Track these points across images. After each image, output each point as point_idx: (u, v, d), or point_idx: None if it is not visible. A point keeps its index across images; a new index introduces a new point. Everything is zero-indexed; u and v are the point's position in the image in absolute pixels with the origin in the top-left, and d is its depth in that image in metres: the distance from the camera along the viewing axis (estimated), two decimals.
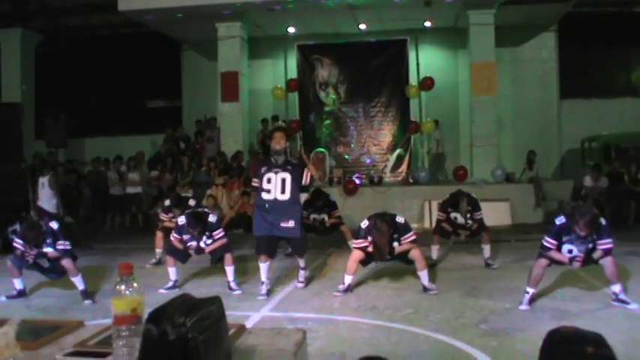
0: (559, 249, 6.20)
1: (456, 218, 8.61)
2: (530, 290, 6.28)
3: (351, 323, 5.87)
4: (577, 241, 6.10)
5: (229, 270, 7.35)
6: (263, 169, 7.03)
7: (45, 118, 16.32)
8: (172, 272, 7.53)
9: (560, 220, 6.24)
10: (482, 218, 8.60)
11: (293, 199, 6.92)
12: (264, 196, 6.90)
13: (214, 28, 15.30)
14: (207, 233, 7.39)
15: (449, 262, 9.04)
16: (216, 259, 7.54)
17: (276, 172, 6.92)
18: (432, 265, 8.12)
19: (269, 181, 6.90)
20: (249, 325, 3.88)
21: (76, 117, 16.80)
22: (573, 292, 6.85)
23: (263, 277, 7.12)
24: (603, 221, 6.16)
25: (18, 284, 7.16)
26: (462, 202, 8.53)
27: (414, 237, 7.04)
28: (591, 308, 6.12)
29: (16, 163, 12.37)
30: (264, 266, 7.12)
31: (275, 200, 6.86)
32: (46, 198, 11.78)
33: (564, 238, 6.16)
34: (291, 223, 6.89)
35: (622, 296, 6.16)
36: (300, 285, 7.50)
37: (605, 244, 6.08)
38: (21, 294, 7.15)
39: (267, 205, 6.90)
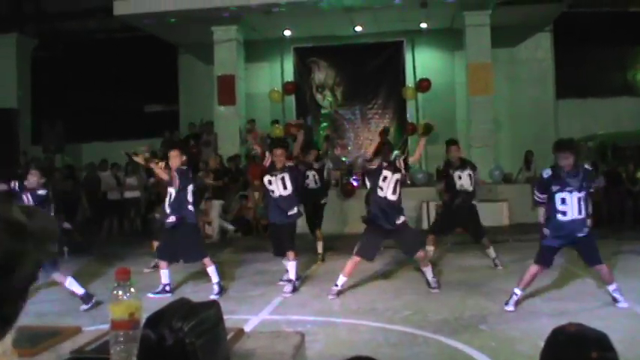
0: (550, 200, 6.17)
1: (460, 177, 8.78)
2: (519, 292, 6.27)
3: (350, 325, 5.88)
4: (567, 187, 6.06)
5: (210, 270, 7.51)
6: (267, 176, 8.01)
7: (42, 123, 16.28)
8: (165, 275, 7.50)
9: (546, 172, 6.30)
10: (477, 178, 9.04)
11: (292, 192, 7.91)
12: (272, 194, 7.92)
13: (210, 32, 15.28)
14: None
15: (448, 263, 9.03)
16: (191, 259, 7.79)
17: (275, 175, 7.85)
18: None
19: (270, 182, 7.87)
20: (247, 328, 3.87)
21: (72, 122, 16.72)
22: (572, 291, 6.86)
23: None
24: (589, 167, 6.48)
25: None
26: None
27: None
28: (590, 307, 6.12)
29: (11, 168, 12.35)
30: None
31: (280, 196, 7.84)
32: None
33: (554, 188, 6.13)
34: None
35: (615, 294, 6.16)
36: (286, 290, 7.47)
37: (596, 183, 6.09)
38: None
39: (274, 202, 7.94)
